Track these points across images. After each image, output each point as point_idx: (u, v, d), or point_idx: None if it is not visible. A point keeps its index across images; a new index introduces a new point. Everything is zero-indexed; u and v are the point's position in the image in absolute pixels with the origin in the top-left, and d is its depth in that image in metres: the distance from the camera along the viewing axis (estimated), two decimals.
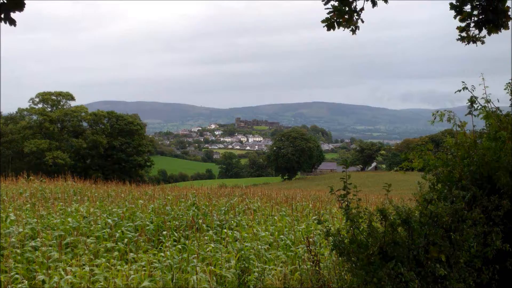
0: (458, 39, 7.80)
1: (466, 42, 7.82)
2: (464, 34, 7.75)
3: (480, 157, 6.69)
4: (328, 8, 7.42)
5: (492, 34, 7.55)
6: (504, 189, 6.34)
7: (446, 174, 6.85)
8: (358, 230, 5.72)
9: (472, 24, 7.57)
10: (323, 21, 7.50)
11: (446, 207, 5.75)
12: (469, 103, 7.14)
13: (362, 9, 7.49)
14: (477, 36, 7.68)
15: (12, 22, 5.19)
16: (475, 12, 7.48)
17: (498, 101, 7.31)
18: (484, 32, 7.58)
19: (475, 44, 7.81)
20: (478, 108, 7.21)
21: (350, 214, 5.74)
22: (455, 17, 7.55)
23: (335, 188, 5.95)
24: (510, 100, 7.32)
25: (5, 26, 5.15)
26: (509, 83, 7.36)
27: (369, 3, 7.31)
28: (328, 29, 7.56)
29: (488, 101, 7.19)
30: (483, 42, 7.75)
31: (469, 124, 7.19)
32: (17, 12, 5.19)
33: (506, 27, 7.35)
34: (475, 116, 7.16)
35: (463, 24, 7.64)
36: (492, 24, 7.39)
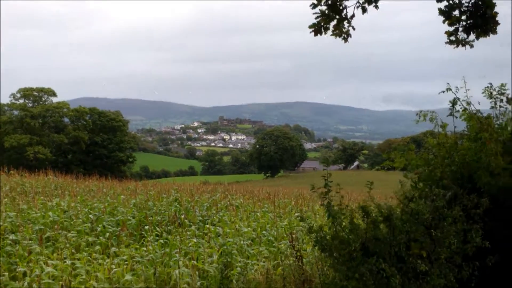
0: (446, 43, 7.84)
1: (455, 45, 7.86)
2: (452, 38, 7.79)
3: (461, 157, 6.81)
4: (316, 13, 7.41)
5: (480, 38, 7.61)
6: (484, 188, 6.45)
7: (427, 173, 6.95)
8: (340, 227, 5.77)
9: (460, 29, 7.62)
10: (310, 26, 7.45)
11: (427, 205, 5.84)
12: (451, 105, 7.25)
13: (353, 15, 7.49)
14: (466, 40, 7.74)
15: None
16: (464, 17, 7.53)
17: (479, 104, 7.44)
18: (472, 36, 7.63)
19: (464, 47, 7.86)
20: (460, 110, 7.32)
21: (332, 211, 5.80)
22: (444, 21, 7.59)
23: (316, 186, 6.00)
24: (490, 103, 7.44)
25: None
26: (488, 87, 7.49)
27: (360, 9, 7.32)
28: (315, 34, 7.52)
29: (469, 104, 7.31)
30: (472, 46, 7.78)
31: (450, 125, 7.30)
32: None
33: (494, 31, 7.41)
34: (456, 117, 7.27)
35: (451, 29, 7.68)
36: (481, 29, 7.45)
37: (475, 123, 7.13)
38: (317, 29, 7.48)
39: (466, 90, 7.26)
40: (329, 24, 7.48)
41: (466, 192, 6.34)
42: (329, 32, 7.56)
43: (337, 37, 7.57)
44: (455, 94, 7.20)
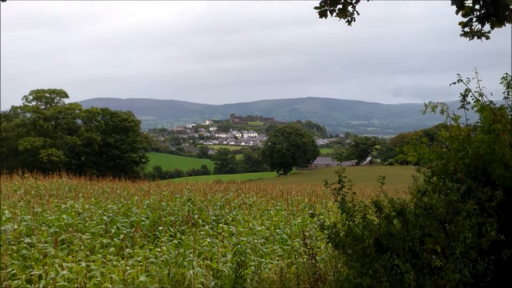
0: (461, 35, 7.69)
1: (470, 37, 7.72)
2: (467, 29, 7.66)
3: (475, 150, 6.72)
4: None
5: (495, 28, 7.47)
6: (498, 181, 6.38)
7: (440, 167, 6.87)
8: (354, 222, 5.74)
9: (474, 19, 7.50)
10: (316, 8, 7.45)
11: (440, 199, 5.78)
12: (462, 97, 7.15)
13: (357, 0, 7.46)
14: (481, 30, 7.60)
15: None
16: (477, 7, 7.40)
17: (492, 95, 7.33)
18: (487, 27, 7.50)
19: (480, 39, 7.72)
20: (472, 101, 7.22)
21: (345, 207, 5.76)
22: (457, 12, 7.46)
23: (330, 182, 5.97)
24: (503, 93, 7.33)
25: None
26: (504, 77, 7.35)
27: None
28: (321, 16, 7.51)
29: (481, 95, 7.21)
30: (488, 38, 7.64)
31: (462, 117, 7.21)
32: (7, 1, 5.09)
33: (510, 20, 7.27)
34: (468, 110, 7.17)
35: (465, 19, 7.56)
36: (495, 18, 7.32)
37: (488, 115, 7.03)
38: (323, 11, 7.46)
39: (478, 81, 7.15)
40: (335, 7, 7.45)
41: (480, 185, 6.28)
42: (334, 14, 7.53)
43: (340, 19, 7.55)
44: (466, 85, 7.09)
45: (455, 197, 5.78)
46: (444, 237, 5.51)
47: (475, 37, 7.67)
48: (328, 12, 7.47)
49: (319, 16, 7.48)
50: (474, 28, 7.57)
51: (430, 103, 7.31)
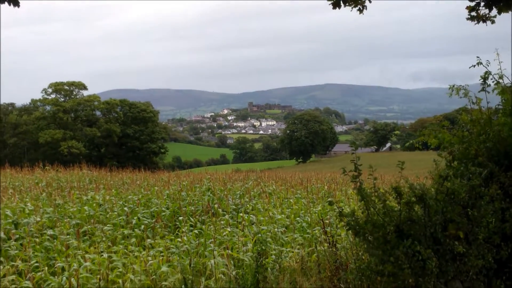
0: (468, 19, 7.67)
1: (476, 22, 7.68)
2: (473, 13, 7.61)
3: (496, 133, 6.61)
4: None
5: (502, 13, 7.40)
6: None
7: (462, 151, 6.77)
8: (374, 209, 5.68)
9: (482, 4, 7.43)
10: None
11: (462, 184, 5.70)
12: (482, 80, 7.02)
13: None
14: (487, 15, 7.54)
15: (16, 3, 5.12)
16: None
17: None
18: (494, 11, 7.43)
19: (485, 23, 7.67)
20: (492, 84, 7.09)
21: (364, 194, 5.70)
22: None
23: (348, 170, 5.91)
24: None
25: (16, 17, 5.11)
26: None
27: None
28: (334, 7, 7.46)
29: (501, 77, 7.07)
30: (493, 22, 7.60)
31: (483, 101, 7.08)
32: None
33: None
34: (489, 92, 7.04)
35: (472, 4, 7.50)
36: (503, 2, 7.23)
37: (509, 97, 6.91)
38: (336, 1, 7.40)
39: (499, 62, 7.02)
40: None
41: (503, 169, 6.18)
42: (348, 6, 7.48)
43: (353, 8, 7.48)
44: (486, 68, 6.96)
45: (478, 182, 5.69)
46: (466, 222, 5.44)
47: (481, 21, 7.63)
48: (341, 2, 7.41)
49: (332, 7, 7.42)
50: (481, 12, 7.51)
51: (454, 85, 7.20)
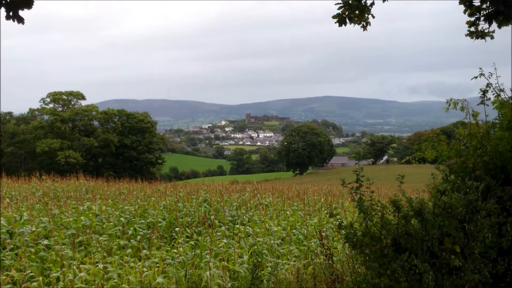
0: (466, 35, 7.69)
1: (475, 38, 7.70)
2: (472, 29, 7.63)
3: (494, 147, 6.62)
4: (338, 3, 7.35)
5: (502, 27, 7.42)
6: None
7: (459, 164, 6.77)
8: (372, 222, 5.67)
9: (482, 18, 7.45)
10: (334, 17, 7.43)
11: (459, 198, 5.69)
12: (481, 93, 7.03)
13: (372, 3, 7.41)
14: (486, 31, 7.57)
15: (21, 20, 5.15)
16: (484, 6, 7.35)
17: None
18: (494, 26, 7.45)
19: (484, 39, 7.69)
20: (492, 97, 7.10)
21: (363, 206, 5.70)
22: (464, 11, 7.44)
23: (347, 181, 5.91)
24: None
25: (17, 26, 5.14)
26: None
27: None
28: (340, 25, 7.49)
29: (501, 90, 7.09)
30: (492, 37, 7.61)
31: (481, 114, 7.09)
32: (26, 10, 5.15)
33: None
34: (487, 105, 7.06)
35: (472, 19, 7.53)
36: (503, 16, 7.26)
37: (507, 111, 6.92)
38: (341, 19, 7.43)
39: (497, 76, 7.04)
40: (352, 13, 7.41)
41: (500, 183, 6.18)
42: (353, 23, 7.51)
43: (356, 25, 7.52)
44: (487, 80, 6.96)
45: (475, 196, 5.69)
46: (463, 237, 5.42)
47: (479, 38, 7.65)
48: (347, 19, 7.44)
49: (338, 25, 7.46)
50: (480, 28, 7.53)
51: (451, 99, 7.21)
